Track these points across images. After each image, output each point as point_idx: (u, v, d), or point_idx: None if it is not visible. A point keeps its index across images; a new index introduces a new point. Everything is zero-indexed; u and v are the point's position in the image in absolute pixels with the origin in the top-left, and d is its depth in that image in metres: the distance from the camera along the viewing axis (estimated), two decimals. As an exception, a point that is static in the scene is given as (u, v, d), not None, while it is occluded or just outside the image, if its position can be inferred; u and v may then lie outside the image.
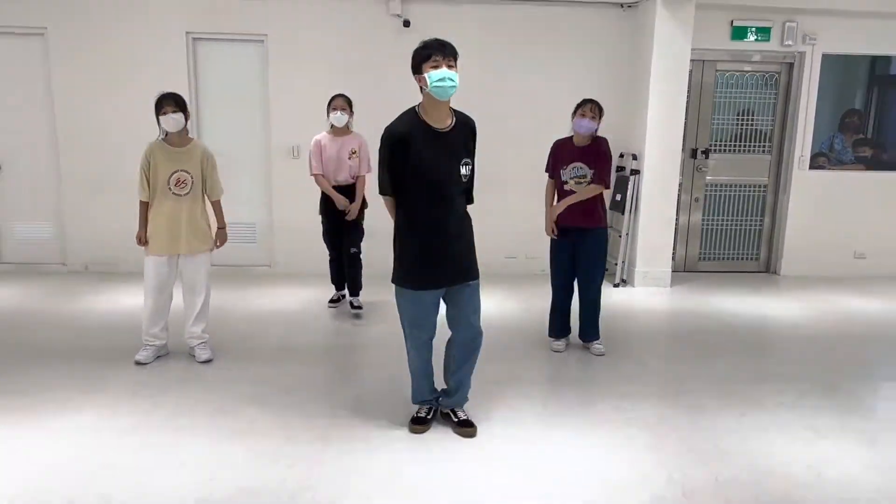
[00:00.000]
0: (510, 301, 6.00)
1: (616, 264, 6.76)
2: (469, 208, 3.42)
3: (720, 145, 7.19)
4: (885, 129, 7.48)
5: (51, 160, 6.67)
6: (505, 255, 6.90)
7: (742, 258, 7.46)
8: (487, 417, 3.64)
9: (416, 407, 3.58)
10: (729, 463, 3.26)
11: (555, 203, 4.55)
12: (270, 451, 3.29)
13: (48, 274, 6.69)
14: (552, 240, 4.61)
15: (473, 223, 3.42)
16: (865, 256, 7.33)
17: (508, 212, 6.68)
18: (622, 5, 6.71)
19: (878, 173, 7.29)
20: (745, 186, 7.29)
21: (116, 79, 6.46)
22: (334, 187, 5.21)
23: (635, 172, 6.57)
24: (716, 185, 7.25)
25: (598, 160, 4.41)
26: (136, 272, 6.49)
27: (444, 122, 3.16)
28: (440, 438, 3.44)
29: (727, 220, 7.35)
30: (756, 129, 7.20)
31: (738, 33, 6.80)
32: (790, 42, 6.82)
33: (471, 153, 3.29)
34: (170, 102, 4.10)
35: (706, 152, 7.14)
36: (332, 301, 5.68)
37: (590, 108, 4.37)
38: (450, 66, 3.03)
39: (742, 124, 7.18)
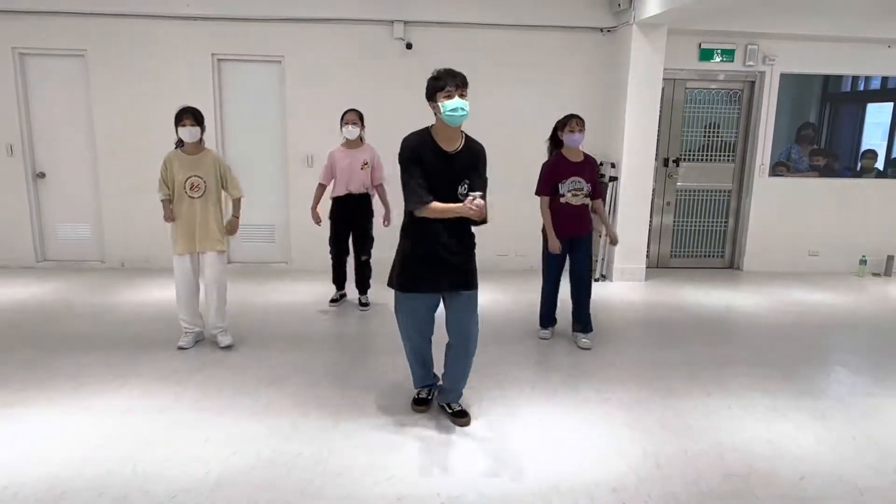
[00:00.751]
0: (501, 294, 6.00)
1: (596, 261, 6.76)
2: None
3: (689, 155, 7.18)
4: (837, 140, 7.50)
5: (90, 168, 6.66)
6: (496, 253, 6.90)
7: (709, 256, 7.46)
8: (480, 398, 3.65)
9: (417, 389, 3.57)
10: (697, 438, 3.27)
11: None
12: (286, 427, 3.29)
13: (87, 271, 6.68)
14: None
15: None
16: (819, 254, 7.34)
17: (499, 213, 6.68)
18: (602, 30, 6.71)
19: (830, 180, 7.29)
20: (711, 192, 7.29)
21: (148, 95, 6.45)
22: (348, 195, 5.14)
23: (614, 179, 6.57)
24: (685, 191, 7.25)
25: (594, 176, 4.41)
26: (167, 268, 6.50)
27: (453, 145, 3.09)
28: (439, 416, 3.45)
29: (695, 222, 7.35)
30: (721, 141, 7.19)
31: (706, 55, 6.80)
32: (752, 62, 6.82)
33: (478, 175, 3.13)
34: (188, 115, 4.13)
35: (677, 161, 7.14)
36: (332, 301, 5.53)
37: (576, 122, 4.31)
38: (462, 96, 2.99)
39: (709, 136, 7.18)
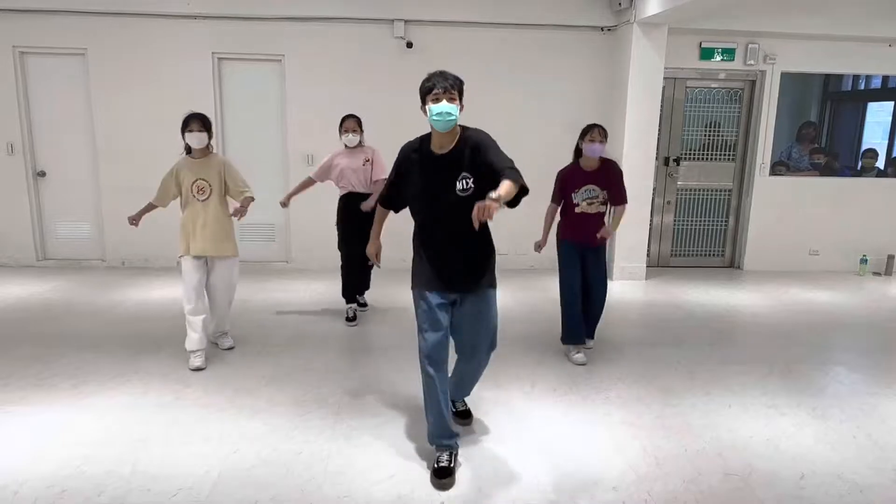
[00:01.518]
0: (501, 293, 5.97)
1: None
2: None
3: (690, 154, 7.18)
4: (838, 139, 7.50)
5: (90, 167, 6.67)
6: (498, 252, 6.88)
7: (709, 255, 7.46)
8: (480, 396, 3.64)
9: (435, 452, 2.99)
10: (696, 437, 3.27)
11: (552, 221, 4.40)
12: (287, 426, 3.30)
13: (88, 269, 6.69)
14: (567, 252, 4.35)
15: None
16: (819, 253, 7.34)
17: (500, 212, 6.68)
18: (603, 29, 6.71)
19: (831, 179, 7.29)
20: (711, 191, 7.29)
21: (149, 94, 6.45)
22: (350, 193, 5.00)
23: (614, 178, 6.57)
24: (686, 190, 7.25)
25: (613, 183, 4.26)
26: (167, 268, 6.54)
27: (445, 148, 2.93)
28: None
29: (696, 221, 7.35)
30: (722, 140, 7.19)
31: (706, 54, 6.80)
32: (752, 61, 6.82)
33: (485, 164, 2.83)
34: (196, 122, 4.09)
35: (677, 160, 7.14)
36: (349, 319, 5.11)
37: (598, 132, 4.18)
38: (451, 99, 2.82)
39: (709, 135, 7.17)
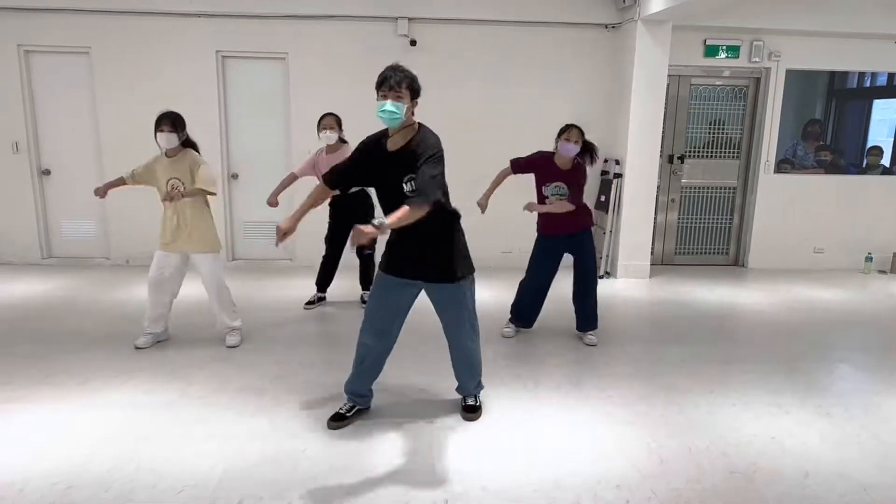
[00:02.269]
0: (506, 291, 5.99)
1: (601, 258, 6.76)
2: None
3: (694, 152, 7.17)
4: (843, 137, 7.47)
5: (95, 165, 6.68)
6: (501, 250, 6.90)
7: (713, 253, 7.45)
8: (483, 395, 3.65)
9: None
10: (700, 435, 3.27)
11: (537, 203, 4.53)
12: (291, 424, 3.30)
13: (93, 267, 6.71)
14: (541, 243, 4.58)
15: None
16: (824, 251, 7.32)
17: (504, 210, 6.68)
18: (607, 26, 6.69)
19: (836, 177, 7.27)
20: (716, 188, 7.28)
21: (153, 92, 6.46)
22: (339, 197, 4.95)
23: (618, 176, 6.56)
24: (690, 188, 7.24)
25: (575, 185, 4.39)
26: (171, 265, 6.56)
27: (396, 145, 2.99)
28: (443, 412, 3.45)
29: (700, 219, 7.34)
30: (726, 137, 7.18)
31: (711, 51, 6.79)
32: (757, 59, 6.80)
33: (419, 167, 2.87)
34: (166, 122, 4.11)
35: (682, 158, 7.13)
36: (309, 303, 5.38)
37: (574, 132, 4.29)
38: (397, 98, 2.87)
39: (714, 133, 7.16)
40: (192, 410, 3.44)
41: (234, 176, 6.81)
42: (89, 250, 6.89)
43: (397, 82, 2.91)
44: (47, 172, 6.73)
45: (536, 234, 4.66)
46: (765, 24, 6.60)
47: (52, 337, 4.56)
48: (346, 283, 5.73)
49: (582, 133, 4.34)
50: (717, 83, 7.04)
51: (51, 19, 6.34)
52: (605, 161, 6.84)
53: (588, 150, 4.40)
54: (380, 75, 2.97)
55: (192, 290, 4.79)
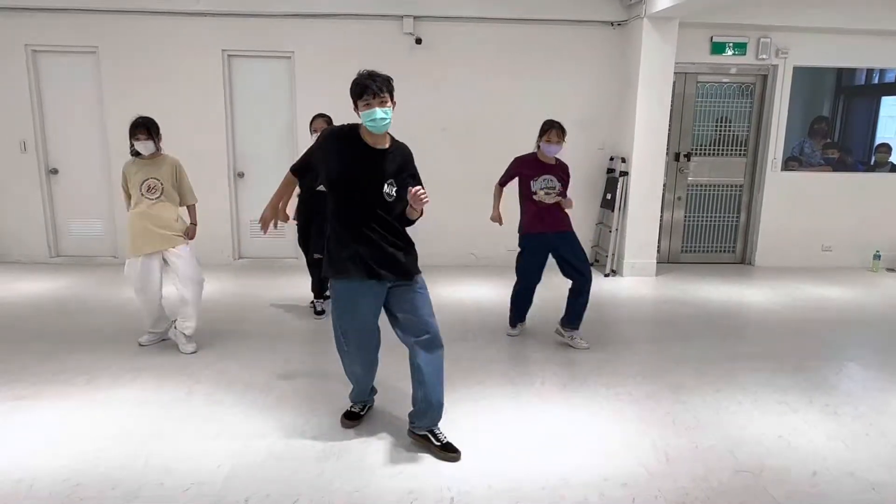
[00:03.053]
0: (508, 290, 5.99)
1: (607, 256, 6.75)
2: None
3: (701, 149, 7.15)
4: (851, 134, 7.43)
5: (102, 165, 6.72)
6: (506, 248, 6.88)
7: (720, 251, 7.42)
8: (490, 393, 3.65)
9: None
10: (707, 433, 3.26)
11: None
12: (297, 421, 3.32)
13: (100, 266, 6.75)
14: (528, 243, 4.49)
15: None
16: (831, 249, 7.29)
17: (508, 208, 6.68)
18: (613, 23, 6.67)
19: (843, 174, 7.23)
20: (723, 186, 7.25)
21: (160, 91, 6.49)
22: (305, 195, 4.92)
23: (624, 174, 6.54)
24: (696, 186, 7.22)
25: (564, 179, 4.38)
26: (178, 264, 6.57)
27: (379, 144, 2.95)
28: (452, 406, 3.45)
29: (707, 217, 7.32)
30: (733, 135, 7.15)
31: (717, 48, 6.76)
32: (764, 56, 6.77)
33: (410, 175, 2.98)
34: (142, 130, 4.11)
35: (688, 156, 7.10)
36: (319, 313, 5.13)
37: (555, 133, 4.26)
38: (382, 103, 2.84)
39: (720, 130, 7.13)
40: (199, 408, 3.46)
41: (240, 174, 6.83)
42: (97, 249, 6.92)
43: (379, 88, 2.87)
44: (55, 171, 6.76)
45: (519, 237, 4.53)
46: (772, 21, 6.57)
47: (60, 335, 4.59)
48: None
49: (563, 131, 4.30)
50: (724, 80, 7.01)
51: (58, 19, 6.37)
52: (612, 159, 6.83)
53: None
54: (357, 85, 2.88)
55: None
